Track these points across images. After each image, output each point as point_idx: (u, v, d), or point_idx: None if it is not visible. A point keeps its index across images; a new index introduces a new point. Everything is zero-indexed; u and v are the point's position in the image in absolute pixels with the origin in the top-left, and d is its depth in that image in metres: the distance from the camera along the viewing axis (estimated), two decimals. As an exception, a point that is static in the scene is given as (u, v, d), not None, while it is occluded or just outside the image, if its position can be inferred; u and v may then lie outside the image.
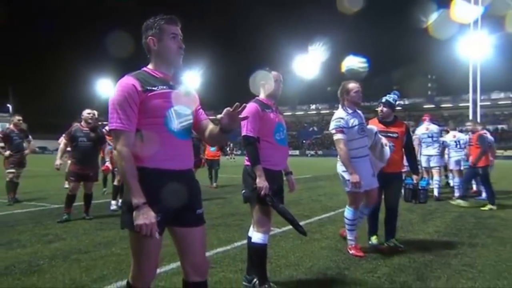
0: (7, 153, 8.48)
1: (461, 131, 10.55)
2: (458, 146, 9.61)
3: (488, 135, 9.46)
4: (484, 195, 9.41)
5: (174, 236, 2.22)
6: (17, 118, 8.89)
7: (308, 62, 58.48)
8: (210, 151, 12.55)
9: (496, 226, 6.31)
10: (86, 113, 6.78)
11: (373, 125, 4.94)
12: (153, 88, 2.11)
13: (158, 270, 3.79)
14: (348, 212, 4.67)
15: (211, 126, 2.33)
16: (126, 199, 2.07)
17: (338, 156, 4.54)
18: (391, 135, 4.94)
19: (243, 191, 3.42)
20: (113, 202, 7.70)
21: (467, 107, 34.45)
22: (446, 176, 12.11)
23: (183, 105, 2.20)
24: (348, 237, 4.71)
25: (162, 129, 2.10)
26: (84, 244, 4.98)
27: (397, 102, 5.22)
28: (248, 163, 3.37)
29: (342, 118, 4.42)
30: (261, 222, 3.37)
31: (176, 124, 2.14)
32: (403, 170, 5.45)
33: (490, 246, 5.05)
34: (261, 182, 3.21)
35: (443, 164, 10.17)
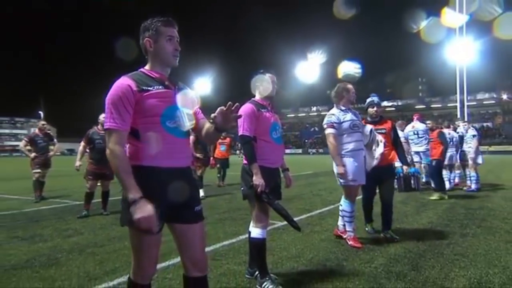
0: (33, 155, 8.42)
1: (455, 129, 10.30)
2: (451, 142, 9.38)
3: (472, 131, 9.37)
4: (473, 186, 9.20)
5: (174, 233, 2.07)
6: (41, 123, 8.93)
7: (309, 68, 58.29)
8: (220, 150, 11.80)
9: (485, 216, 6.09)
10: (102, 117, 6.66)
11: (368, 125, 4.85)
12: (149, 88, 1.96)
13: (166, 263, 3.67)
14: (345, 204, 4.52)
15: (207, 125, 2.18)
16: (124, 196, 1.93)
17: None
18: (380, 131, 4.91)
19: (242, 188, 3.28)
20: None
21: (455, 107, 34.18)
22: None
23: (179, 104, 2.06)
24: (347, 228, 4.54)
25: (159, 128, 1.95)
26: (99, 238, 4.85)
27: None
28: (246, 161, 3.22)
29: (333, 114, 4.43)
30: (259, 218, 3.22)
31: (172, 122, 1.99)
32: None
33: (480, 235, 4.84)
34: (257, 180, 3.07)
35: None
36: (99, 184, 6.84)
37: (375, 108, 5.06)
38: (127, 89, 1.92)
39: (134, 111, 1.93)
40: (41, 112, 78.74)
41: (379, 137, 4.70)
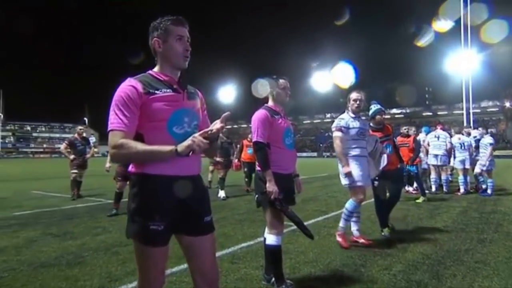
0: (72, 156, 8.36)
1: (468, 134, 9.59)
2: (463, 147, 8.74)
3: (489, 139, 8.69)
4: (489, 191, 8.50)
5: (181, 244, 1.76)
6: (79, 128, 8.85)
7: (324, 78, 57.56)
8: (248, 153, 9.63)
9: (500, 220, 5.53)
10: None
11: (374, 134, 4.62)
12: (156, 91, 1.67)
13: (184, 266, 3.35)
14: (350, 203, 4.18)
15: None
16: (128, 206, 1.64)
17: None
18: (387, 138, 4.84)
19: (256, 195, 2.93)
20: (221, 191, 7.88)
21: (460, 114, 32.98)
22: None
23: (188, 108, 1.75)
24: (341, 224, 4.23)
25: (165, 133, 1.66)
26: (125, 237, 4.58)
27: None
28: (259, 168, 2.89)
29: (343, 119, 4.17)
30: (274, 224, 2.87)
31: (179, 128, 1.69)
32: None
33: (498, 241, 4.33)
34: (271, 187, 2.73)
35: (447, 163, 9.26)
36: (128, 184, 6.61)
37: (383, 116, 4.89)
38: (132, 91, 1.64)
39: (139, 114, 1.64)
40: (85, 119, 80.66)
41: (384, 150, 4.56)
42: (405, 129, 8.43)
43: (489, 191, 8.48)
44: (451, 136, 9.22)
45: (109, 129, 1.62)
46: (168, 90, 1.70)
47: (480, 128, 9.92)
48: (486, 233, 4.72)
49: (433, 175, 9.08)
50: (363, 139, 4.16)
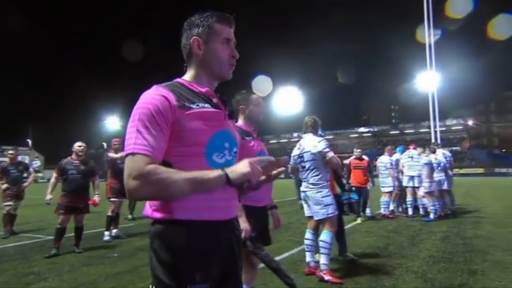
0: (4, 186, 7.43)
1: (433, 151, 9.73)
2: (439, 167, 8.81)
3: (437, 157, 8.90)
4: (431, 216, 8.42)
5: None
6: (10, 152, 7.80)
7: (291, 97, 58.74)
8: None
9: (485, 247, 5.47)
10: (77, 146, 5.85)
11: None
12: (192, 106, 1.30)
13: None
14: (328, 235, 4.02)
15: None
16: (153, 265, 1.26)
17: (310, 184, 4.07)
18: None
19: None
20: (106, 233, 6.63)
21: (426, 132, 34.58)
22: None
23: (229, 131, 1.40)
24: (324, 261, 3.99)
25: (203, 163, 1.29)
26: (64, 287, 3.96)
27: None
28: None
29: (324, 140, 4.15)
30: (244, 270, 2.49)
31: (220, 156, 1.35)
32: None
33: (490, 273, 4.18)
34: (241, 224, 2.34)
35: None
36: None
37: None
38: (164, 102, 1.25)
39: (169, 135, 1.26)
40: (29, 140, 76.04)
41: None
42: (358, 152, 8.76)
43: (431, 216, 8.36)
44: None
45: (128, 151, 1.21)
46: (206, 105, 1.34)
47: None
48: (475, 263, 4.59)
49: (409, 198, 9.09)
50: None
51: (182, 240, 1.23)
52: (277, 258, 4.95)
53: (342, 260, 4.79)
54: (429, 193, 8.42)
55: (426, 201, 8.66)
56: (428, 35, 31.50)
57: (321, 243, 4.05)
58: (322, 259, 4.00)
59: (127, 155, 1.21)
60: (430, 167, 8.45)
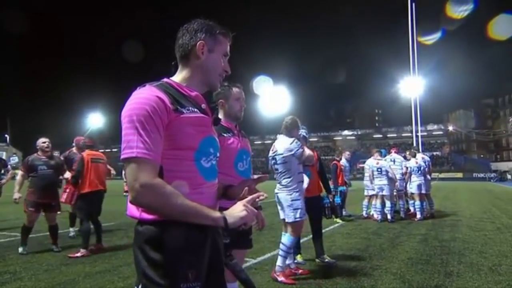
0: (-20, 183, 7.26)
1: (405, 157, 9.97)
2: (420, 171, 9.02)
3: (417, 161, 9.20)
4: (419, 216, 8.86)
5: None
6: None
7: (277, 98, 59.07)
8: None
9: (461, 250, 5.63)
10: (41, 142, 5.69)
11: None
12: (183, 110, 1.32)
13: None
14: (288, 239, 4.09)
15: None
16: (142, 267, 1.25)
17: (282, 186, 4.10)
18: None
19: None
20: (71, 229, 6.77)
21: (409, 137, 35.32)
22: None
23: (214, 137, 1.44)
24: (279, 263, 4.05)
25: (191, 167, 1.32)
26: (40, 286, 3.88)
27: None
28: None
29: (296, 141, 4.10)
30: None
31: (206, 161, 1.38)
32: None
33: (465, 274, 4.31)
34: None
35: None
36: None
37: (306, 141, 4.94)
38: (160, 105, 1.25)
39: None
40: (7, 135, 73.74)
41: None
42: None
43: (418, 216, 8.87)
44: (406, 160, 9.54)
45: (129, 155, 1.20)
46: (195, 110, 1.36)
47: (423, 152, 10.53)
48: (451, 265, 4.72)
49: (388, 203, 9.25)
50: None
51: (174, 240, 1.25)
52: (259, 259, 4.99)
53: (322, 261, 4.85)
54: (419, 195, 8.84)
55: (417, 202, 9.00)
56: (412, 41, 32.26)
57: (280, 245, 4.12)
58: (278, 261, 4.07)
59: (130, 158, 1.20)
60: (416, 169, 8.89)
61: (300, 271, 4.39)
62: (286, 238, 4.08)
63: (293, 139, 4.09)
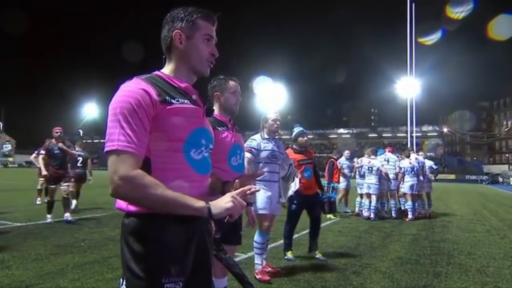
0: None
1: (408, 156, 10.02)
2: (413, 172, 9.05)
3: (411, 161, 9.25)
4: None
5: None
6: None
7: (273, 95, 59.09)
8: None
9: (450, 250, 5.67)
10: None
11: (292, 157, 4.64)
12: (172, 101, 1.30)
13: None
14: (258, 235, 4.07)
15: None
16: (126, 259, 1.24)
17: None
18: (307, 161, 4.93)
19: None
20: (48, 215, 7.03)
21: (404, 137, 35.51)
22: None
23: (206, 128, 1.42)
24: (256, 261, 4.06)
25: (181, 158, 1.31)
26: (28, 275, 3.83)
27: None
28: None
29: (254, 140, 3.93)
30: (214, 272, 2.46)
31: (197, 153, 1.36)
32: None
33: (453, 275, 4.34)
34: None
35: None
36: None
37: (305, 138, 5.02)
38: (145, 96, 1.25)
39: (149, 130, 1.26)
40: (0, 123, 73.05)
41: (298, 174, 4.56)
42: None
43: (410, 216, 8.96)
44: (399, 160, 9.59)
45: (110, 148, 1.20)
46: (186, 101, 1.34)
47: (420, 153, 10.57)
48: (440, 266, 4.75)
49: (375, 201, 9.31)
50: (276, 163, 3.97)
51: (158, 233, 1.24)
52: (249, 254, 4.98)
53: (312, 258, 4.88)
54: (411, 195, 8.92)
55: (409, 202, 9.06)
56: (410, 42, 32.33)
57: (254, 243, 4.10)
58: (255, 259, 4.08)
59: (111, 151, 1.20)
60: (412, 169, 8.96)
61: (269, 269, 4.17)
62: (256, 235, 4.07)
63: (253, 138, 4.00)
